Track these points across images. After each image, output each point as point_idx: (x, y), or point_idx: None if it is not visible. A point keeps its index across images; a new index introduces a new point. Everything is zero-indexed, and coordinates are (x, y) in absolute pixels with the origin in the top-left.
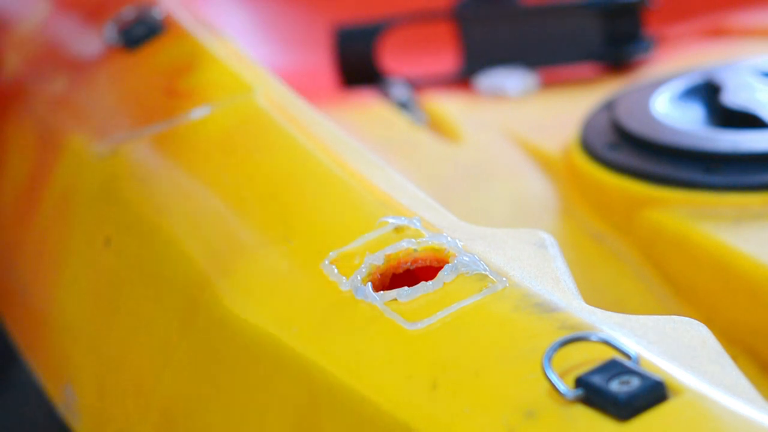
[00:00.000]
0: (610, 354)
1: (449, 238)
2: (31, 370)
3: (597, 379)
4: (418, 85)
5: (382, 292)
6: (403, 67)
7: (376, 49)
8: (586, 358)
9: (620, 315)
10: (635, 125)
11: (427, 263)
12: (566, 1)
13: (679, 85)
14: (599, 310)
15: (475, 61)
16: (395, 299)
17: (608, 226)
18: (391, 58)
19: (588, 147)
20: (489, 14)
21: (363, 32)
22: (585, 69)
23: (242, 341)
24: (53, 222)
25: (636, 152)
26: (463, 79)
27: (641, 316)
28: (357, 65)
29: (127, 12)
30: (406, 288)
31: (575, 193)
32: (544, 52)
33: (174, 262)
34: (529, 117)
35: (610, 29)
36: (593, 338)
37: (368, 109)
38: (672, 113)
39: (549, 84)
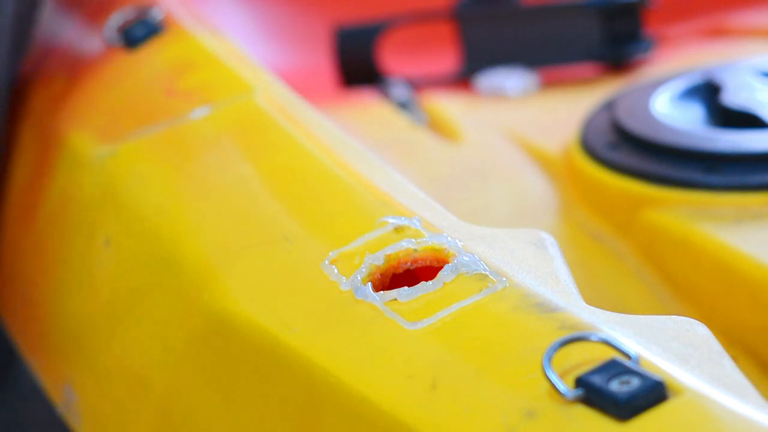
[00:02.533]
0: (610, 354)
1: (449, 238)
2: (31, 370)
3: (597, 379)
4: (418, 85)
5: (382, 292)
6: (403, 67)
7: (376, 49)
8: (586, 358)
9: (620, 315)
10: (635, 125)
11: (427, 263)
12: (566, 1)
13: (679, 85)
14: (599, 310)
15: (475, 61)
16: (395, 299)
17: (608, 226)
18: (391, 58)
19: (588, 147)
20: (489, 14)
21: (363, 32)
22: (585, 69)
23: (242, 341)
24: (53, 222)
25: (636, 152)
26: (463, 79)
27: (641, 316)
28: (357, 65)
29: (127, 12)
30: (406, 288)
31: (575, 193)
32: (544, 52)
33: (174, 262)
34: (529, 117)
35: (610, 29)
36: (593, 338)
37: (368, 109)
38: (672, 113)
39: (549, 84)
